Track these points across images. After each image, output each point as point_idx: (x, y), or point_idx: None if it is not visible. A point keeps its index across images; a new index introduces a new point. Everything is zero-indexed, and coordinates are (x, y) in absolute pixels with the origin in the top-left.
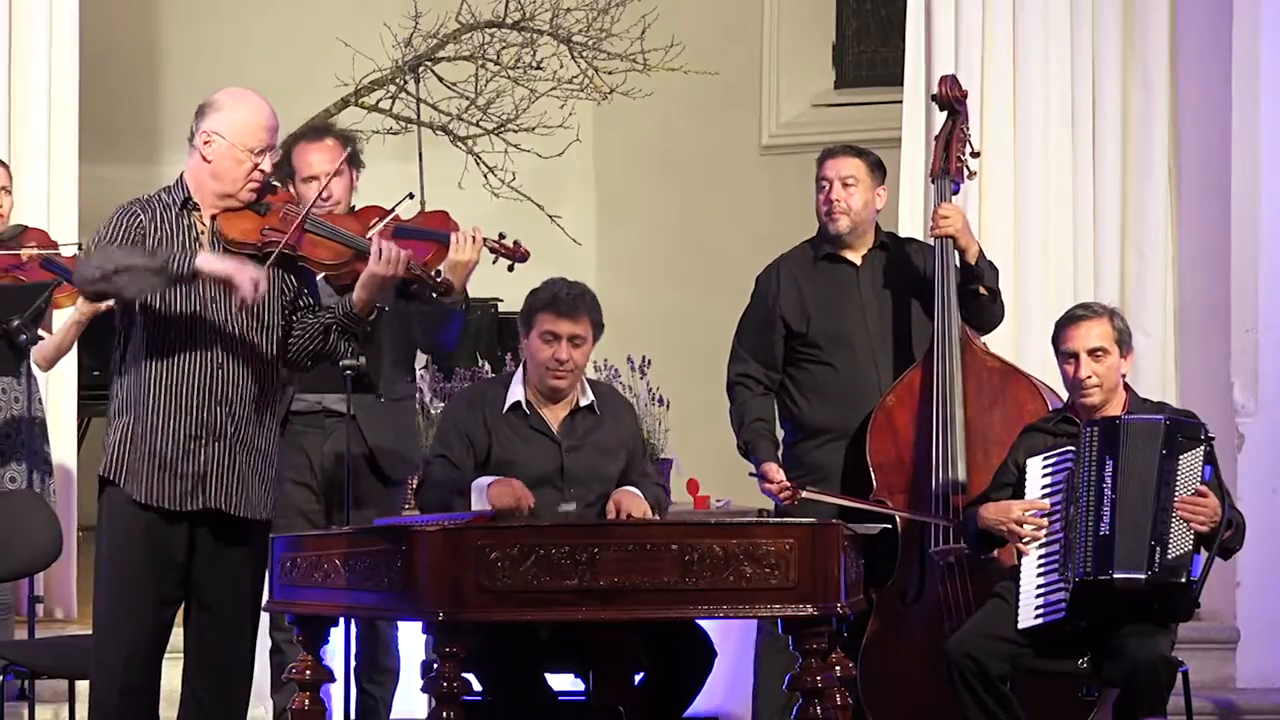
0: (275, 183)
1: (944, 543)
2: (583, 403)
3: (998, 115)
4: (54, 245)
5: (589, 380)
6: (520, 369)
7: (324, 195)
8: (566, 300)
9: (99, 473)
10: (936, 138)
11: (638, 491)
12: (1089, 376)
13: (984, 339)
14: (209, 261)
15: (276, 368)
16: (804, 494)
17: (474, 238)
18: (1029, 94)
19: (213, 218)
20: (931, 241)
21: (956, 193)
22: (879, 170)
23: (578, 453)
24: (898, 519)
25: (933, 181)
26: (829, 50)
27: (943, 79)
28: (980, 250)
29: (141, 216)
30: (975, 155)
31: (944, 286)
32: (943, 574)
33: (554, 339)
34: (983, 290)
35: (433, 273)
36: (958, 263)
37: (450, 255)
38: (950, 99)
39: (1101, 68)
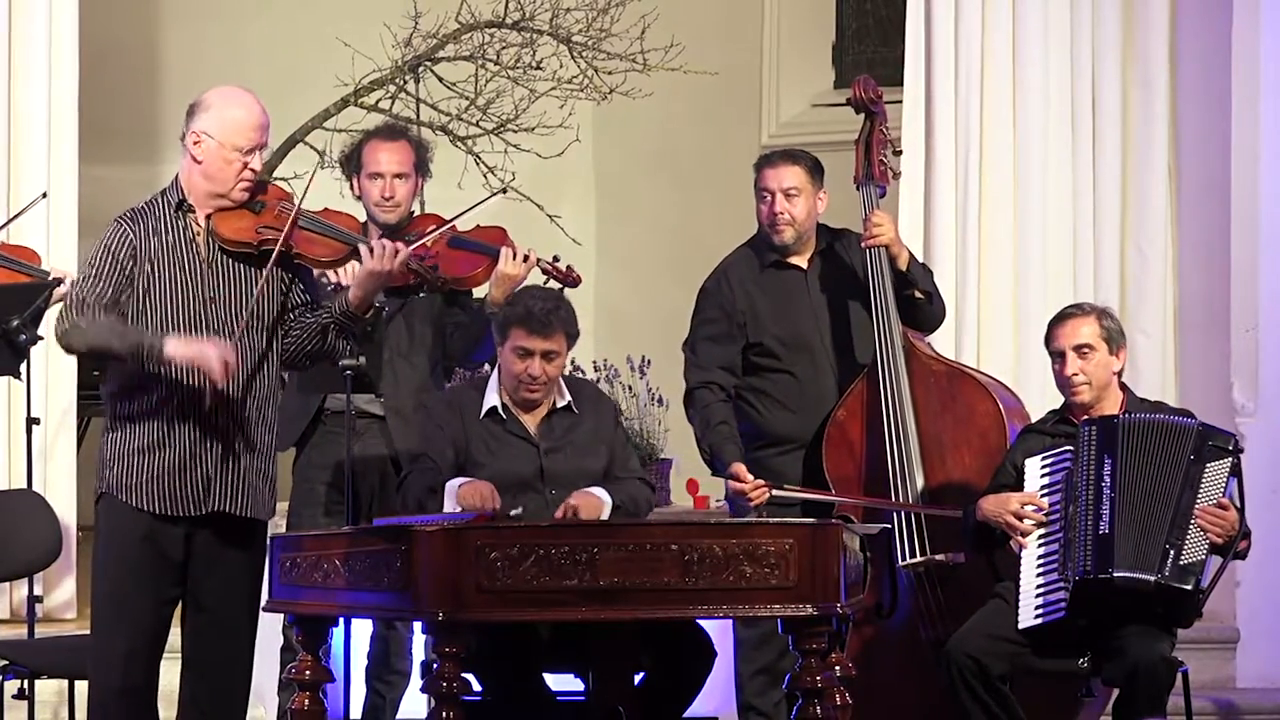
0: (268, 179)
1: (909, 556)
2: (560, 404)
3: (998, 115)
4: None
5: (565, 379)
6: (495, 374)
7: (385, 195)
8: (540, 317)
9: (98, 489)
10: (856, 142)
11: (598, 491)
12: (1075, 374)
13: (929, 338)
14: (177, 348)
15: (275, 365)
16: (777, 492)
17: (525, 256)
18: (1029, 94)
19: (208, 217)
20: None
21: (883, 195)
22: (818, 173)
23: (557, 454)
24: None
25: (858, 188)
26: (829, 50)
27: (856, 80)
28: (911, 255)
29: (131, 235)
30: (898, 153)
31: (882, 298)
32: (914, 585)
33: (527, 355)
34: (918, 294)
35: (431, 269)
36: (891, 271)
37: (498, 268)
38: (865, 101)
39: (1101, 67)
